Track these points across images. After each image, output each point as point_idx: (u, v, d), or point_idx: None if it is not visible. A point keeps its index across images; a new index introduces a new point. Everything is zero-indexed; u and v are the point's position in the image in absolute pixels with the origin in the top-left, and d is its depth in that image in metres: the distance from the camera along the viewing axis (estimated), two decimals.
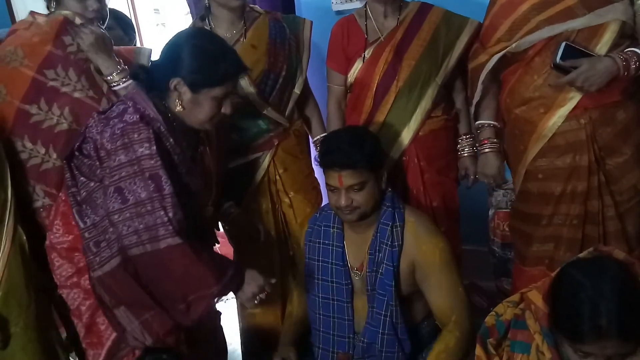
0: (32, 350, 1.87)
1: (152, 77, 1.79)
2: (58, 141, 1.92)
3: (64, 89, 1.93)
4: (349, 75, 2.34)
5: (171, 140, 1.75)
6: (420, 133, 2.28)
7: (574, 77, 1.89)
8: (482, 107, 2.21)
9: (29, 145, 1.90)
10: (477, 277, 2.94)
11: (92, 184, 1.76)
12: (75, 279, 1.86)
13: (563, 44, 1.89)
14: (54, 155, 1.92)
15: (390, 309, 1.91)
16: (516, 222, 2.25)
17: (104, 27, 2.10)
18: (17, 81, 1.91)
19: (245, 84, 2.23)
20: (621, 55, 1.87)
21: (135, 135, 1.68)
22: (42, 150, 1.91)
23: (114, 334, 1.83)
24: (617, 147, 1.99)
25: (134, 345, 1.80)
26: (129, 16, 2.56)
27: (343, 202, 1.89)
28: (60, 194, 1.90)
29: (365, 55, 2.29)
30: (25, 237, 1.88)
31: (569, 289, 1.34)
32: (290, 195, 2.40)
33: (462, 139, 2.38)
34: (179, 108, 1.76)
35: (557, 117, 1.98)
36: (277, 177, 2.37)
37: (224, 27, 2.28)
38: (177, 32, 1.86)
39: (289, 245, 2.44)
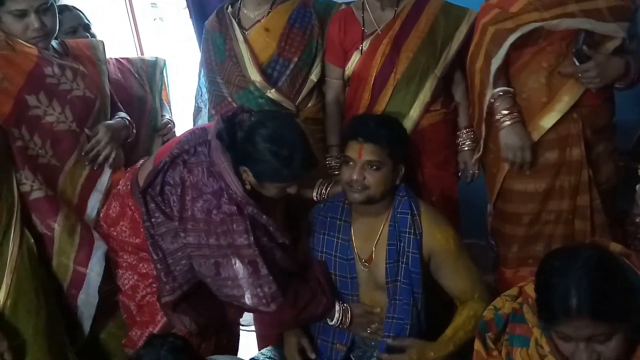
0: (42, 358, 1.86)
1: (231, 145, 1.85)
2: (42, 170, 1.92)
3: (47, 119, 1.93)
4: (346, 68, 2.32)
5: (264, 217, 1.85)
6: (418, 126, 2.27)
7: (591, 66, 1.92)
8: (497, 75, 2.06)
9: (18, 170, 1.89)
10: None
11: (174, 223, 1.88)
12: (134, 263, 2.00)
13: (583, 33, 1.93)
14: (44, 184, 1.92)
15: (416, 297, 1.92)
16: (497, 222, 2.24)
17: (58, 40, 2.09)
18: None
19: (251, 70, 2.27)
20: (634, 59, 1.94)
21: (234, 226, 1.81)
22: (30, 177, 1.90)
23: None
24: (597, 141, 2.06)
25: (179, 330, 1.90)
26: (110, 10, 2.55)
27: (355, 175, 1.89)
28: (130, 202, 1.97)
29: (363, 48, 2.27)
30: (32, 240, 1.88)
31: (546, 274, 1.36)
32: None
33: (461, 133, 2.36)
34: (247, 186, 1.85)
35: (560, 106, 1.99)
36: None
37: (250, 7, 2.34)
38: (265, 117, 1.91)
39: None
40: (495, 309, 1.58)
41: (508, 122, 2.04)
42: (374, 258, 1.98)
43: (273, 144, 1.80)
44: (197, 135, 1.92)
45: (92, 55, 2.11)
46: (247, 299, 1.85)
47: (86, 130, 2.04)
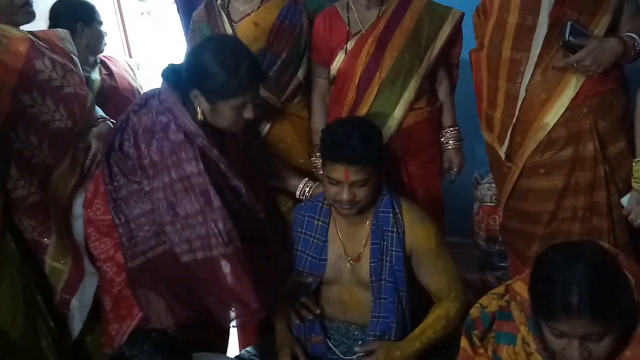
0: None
1: (178, 80, 1.86)
2: (37, 172, 1.89)
3: (42, 118, 1.89)
4: (331, 68, 2.31)
5: (215, 151, 1.83)
6: (403, 125, 2.27)
7: (583, 55, 1.85)
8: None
9: (16, 174, 1.85)
10: (461, 269, 2.89)
11: (134, 185, 1.88)
12: (111, 253, 1.96)
13: (569, 24, 1.87)
14: (38, 187, 1.89)
15: (400, 295, 1.93)
16: (512, 222, 2.18)
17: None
18: None
19: None
20: (628, 37, 1.85)
21: (183, 155, 1.79)
22: (27, 179, 1.87)
23: None
24: (615, 136, 1.97)
25: (156, 325, 1.87)
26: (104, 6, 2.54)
27: (345, 196, 1.87)
28: (101, 177, 1.94)
29: (347, 47, 2.26)
30: (14, 245, 1.85)
31: (544, 269, 1.36)
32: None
33: (446, 132, 2.37)
34: (200, 117, 1.85)
35: (560, 102, 1.94)
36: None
37: (240, 1, 2.34)
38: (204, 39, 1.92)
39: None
40: (482, 307, 1.58)
41: None
42: (361, 257, 1.99)
43: (218, 54, 1.80)
44: (149, 92, 1.96)
45: (64, 47, 2.05)
46: (205, 236, 1.79)
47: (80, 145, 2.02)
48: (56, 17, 2.48)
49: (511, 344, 1.47)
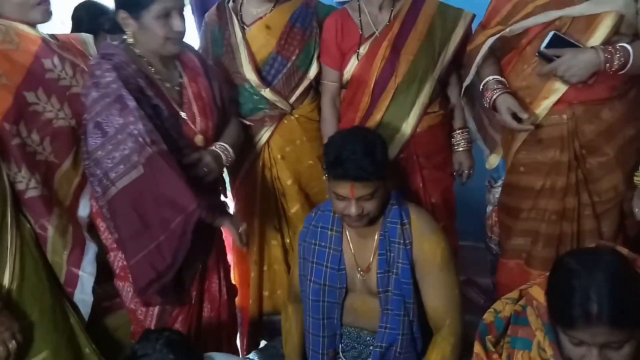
0: (50, 340, 1.86)
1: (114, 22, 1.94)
2: (40, 168, 1.89)
3: (45, 115, 1.90)
4: (344, 72, 2.30)
5: (133, 66, 1.88)
6: (418, 129, 2.26)
7: (555, 66, 1.87)
8: (485, 73, 2.08)
9: (14, 168, 1.85)
10: (474, 273, 2.94)
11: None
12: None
13: (551, 33, 1.88)
14: (40, 182, 1.89)
15: (408, 307, 1.90)
16: (500, 215, 2.26)
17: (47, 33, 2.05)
18: None
19: (247, 68, 2.27)
20: (605, 49, 1.84)
21: (99, 72, 1.84)
22: (27, 175, 1.87)
23: None
24: (598, 147, 1.98)
25: (142, 291, 1.88)
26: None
27: (354, 211, 1.83)
28: None
29: (361, 52, 2.25)
30: (29, 226, 1.87)
31: (563, 276, 1.34)
32: (286, 184, 2.39)
33: (456, 134, 2.37)
34: (131, 40, 1.91)
35: (541, 109, 1.97)
36: (272, 163, 2.37)
37: (253, 4, 2.35)
38: None
39: (286, 232, 2.46)
40: (496, 312, 1.57)
41: (498, 94, 2.02)
42: (371, 267, 1.96)
43: None
44: None
45: (84, 51, 2.07)
46: (132, 144, 1.79)
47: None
48: (79, 21, 2.49)
49: (527, 349, 1.46)
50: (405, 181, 2.31)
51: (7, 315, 1.75)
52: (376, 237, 1.94)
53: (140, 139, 1.77)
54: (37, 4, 1.91)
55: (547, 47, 1.89)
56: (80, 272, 1.95)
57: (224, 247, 2.25)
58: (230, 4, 2.38)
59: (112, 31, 2.43)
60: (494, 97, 2.00)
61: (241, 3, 2.37)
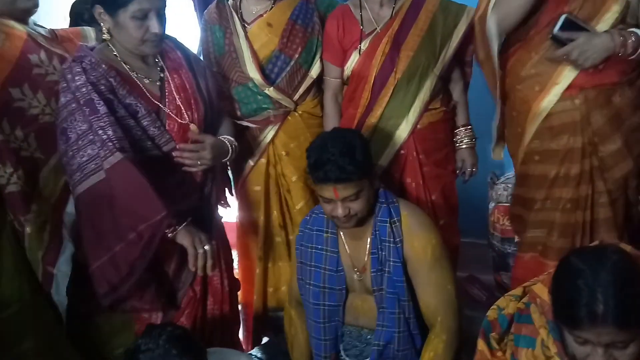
0: (32, 332, 1.86)
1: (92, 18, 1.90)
2: (24, 164, 1.87)
3: (31, 111, 1.88)
4: (345, 68, 2.30)
5: (103, 66, 1.83)
6: (418, 126, 2.25)
7: (569, 50, 1.85)
8: None
9: None
10: (476, 270, 2.93)
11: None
12: None
13: (563, 17, 1.86)
14: (22, 178, 1.87)
15: (402, 305, 1.89)
16: (515, 208, 2.22)
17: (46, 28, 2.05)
18: None
19: (250, 67, 2.25)
20: (619, 33, 1.83)
21: (70, 75, 1.81)
22: (9, 170, 1.85)
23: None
24: (609, 134, 1.95)
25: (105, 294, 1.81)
26: None
27: (340, 212, 1.83)
28: None
29: (362, 47, 2.25)
30: (10, 217, 1.86)
31: (568, 276, 1.33)
32: (291, 181, 2.38)
33: (460, 131, 2.35)
34: (106, 36, 1.86)
35: (551, 96, 1.94)
36: (277, 160, 2.37)
37: (251, 1, 2.33)
38: None
39: (290, 229, 2.44)
40: (499, 309, 1.56)
41: None
42: (366, 267, 1.96)
43: None
44: None
45: (79, 44, 2.03)
46: (94, 155, 1.75)
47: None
48: (77, 16, 2.48)
49: (530, 347, 1.45)
50: (404, 178, 2.30)
51: None
52: (369, 236, 1.94)
53: (110, 144, 1.74)
54: None
55: (560, 30, 1.86)
56: (55, 271, 1.94)
57: (226, 240, 2.24)
58: (230, 1, 2.36)
59: None
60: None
61: (240, 1, 2.36)
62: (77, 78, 1.79)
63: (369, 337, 2.01)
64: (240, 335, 2.45)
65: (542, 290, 1.45)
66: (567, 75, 1.91)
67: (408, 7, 2.23)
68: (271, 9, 2.31)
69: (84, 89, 1.78)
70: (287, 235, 2.44)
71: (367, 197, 1.87)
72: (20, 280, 1.86)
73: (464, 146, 2.35)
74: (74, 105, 1.79)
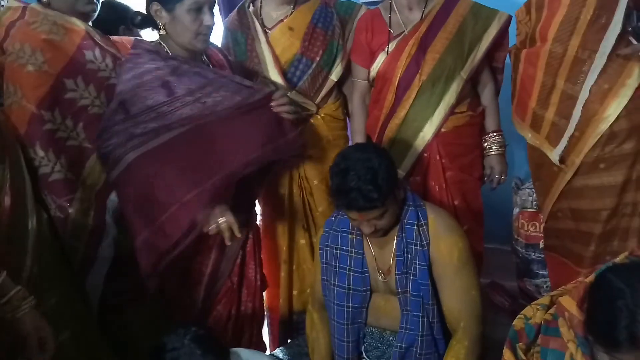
0: (69, 324, 1.88)
1: (148, 17, 1.98)
2: (69, 152, 1.93)
3: (81, 102, 1.95)
4: (371, 69, 2.30)
5: (166, 49, 1.97)
6: (443, 129, 2.24)
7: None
8: None
9: (40, 153, 1.88)
10: (499, 276, 2.90)
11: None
12: None
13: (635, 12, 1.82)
14: (66, 166, 1.92)
15: (427, 309, 1.88)
16: (563, 223, 2.12)
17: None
18: (34, 85, 1.89)
19: (273, 72, 2.26)
20: None
21: (141, 60, 1.94)
22: (53, 159, 1.90)
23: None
24: None
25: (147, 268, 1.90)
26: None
27: (367, 230, 1.83)
28: None
29: (389, 49, 2.24)
30: (46, 216, 1.89)
31: (607, 295, 1.30)
32: (313, 184, 2.39)
33: (489, 137, 2.32)
34: (162, 32, 1.96)
35: (621, 98, 1.87)
36: (300, 163, 2.37)
37: (273, 7, 2.35)
38: None
39: (313, 231, 2.45)
40: (526, 318, 1.54)
41: None
42: (391, 269, 1.95)
43: None
44: None
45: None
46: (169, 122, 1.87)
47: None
48: (98, 21, 2.51)
49: None
50: (428, 180, 2.29)
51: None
52: (394, 238, 1.93)
53: (184, 121, 1.87)
54: None
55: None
56: (97, 255, 1.98)
57: (260, 237, 2.30)
58: (251, 8, 2.37)
59: (132, 30, 2.45)
60: None
61: (260, 6, 2.37)
62: (151, 63, 1.92)
63: (391, 338, 2.00)
64: (266, 339, 2.47)
65: (570, 304, 1.42)
66: (638, 73, 1.86)
67: (438, 10, 2.22)
68: (291, 13, 2.32)
69: (160, 72, 1.91)
70: (311, 238, 2.45)
71: (393, 212, 1.85)
72: (59, 271, 1.90)
73: (492, 152, 2.31)
74: (149, 78, 1.91)
